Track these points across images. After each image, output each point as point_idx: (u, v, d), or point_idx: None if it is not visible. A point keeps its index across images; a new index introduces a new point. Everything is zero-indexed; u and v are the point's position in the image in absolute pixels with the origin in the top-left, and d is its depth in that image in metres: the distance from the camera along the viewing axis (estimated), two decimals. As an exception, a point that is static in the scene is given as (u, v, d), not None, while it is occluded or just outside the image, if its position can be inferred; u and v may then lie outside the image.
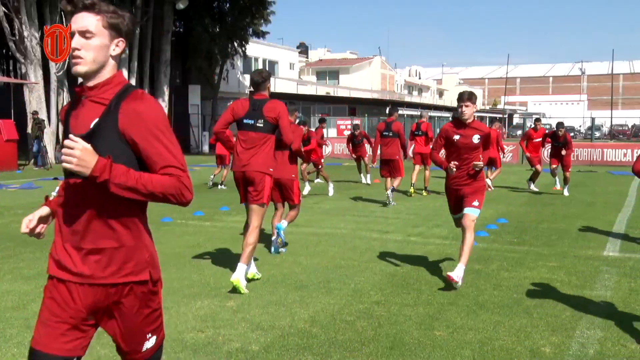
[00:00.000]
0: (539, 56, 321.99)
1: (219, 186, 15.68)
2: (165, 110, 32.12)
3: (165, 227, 9.71)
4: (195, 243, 8.37)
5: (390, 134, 12.42)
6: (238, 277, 5.93)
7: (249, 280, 6.17)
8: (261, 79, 6.17)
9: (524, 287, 6.11)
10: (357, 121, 30.62)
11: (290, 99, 42.05)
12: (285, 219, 7.89)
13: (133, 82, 29.96)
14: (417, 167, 14.53)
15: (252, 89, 6.34)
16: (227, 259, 7.34)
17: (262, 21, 36.36)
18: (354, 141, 17.01)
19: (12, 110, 23.58)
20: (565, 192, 14.37)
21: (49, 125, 25.06)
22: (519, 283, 6.25)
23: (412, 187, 14.20)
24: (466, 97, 6.21)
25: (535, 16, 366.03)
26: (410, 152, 14.92)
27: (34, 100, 24.87)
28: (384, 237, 8.86)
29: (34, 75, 24.85)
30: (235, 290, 5.86)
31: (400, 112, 46.26)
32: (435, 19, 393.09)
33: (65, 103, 26.53)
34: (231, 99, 42.23)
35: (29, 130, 23.43)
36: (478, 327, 4.90)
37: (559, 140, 14.38)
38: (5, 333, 4.71)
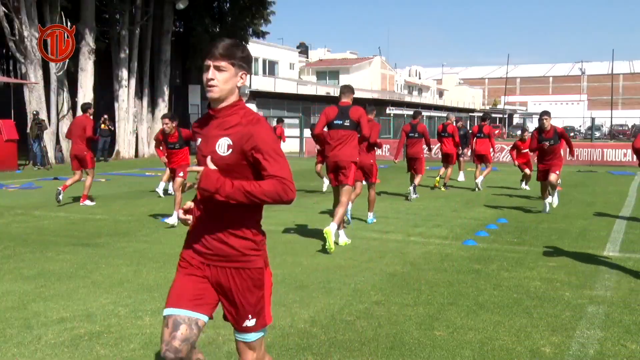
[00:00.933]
0: (539, 56, 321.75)
1: None
2: (165, 110, 32.04)
3: (165, 227, 9.71)
4: (195, 243, 8.35)
5: (416, 135, 13.56)
6: (331, 229, 7.60)
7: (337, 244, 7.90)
8: (347, 91, 8.32)
9: (524, 287, 6.11)
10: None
11: (290, 99, 42.04)
12: (370, 210, 10.19)
13: (133, 82, 30.00)
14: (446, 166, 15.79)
15: (339, 97, 8.34)
16: (227, 259, 7.33)
17: (262, 21, 36.34)
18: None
19: (12, 110, 23.58)
20: (555, 201, 11.63)
21: (49, 125, 25.06)
22: (519, 283, 6.25)
23: (443, 185, 15.59)
24: (219, 51, 2.83)
25: (535, 16, 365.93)
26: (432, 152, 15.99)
27: (34, 100, 24.86)
28: (384, 237, 8.86)
29: (34, 75, 24.85)
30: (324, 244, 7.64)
31: (399, 112, 46.12)
32: (435, 19, 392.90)
33: (65, 103, 26.70)
34: (231, 99, 42.31)
35: (29, 130, 23.43)
36: (478, 327, 4.90)
37: (547, 135, 10.93)
38: (5, 333, 4.71)
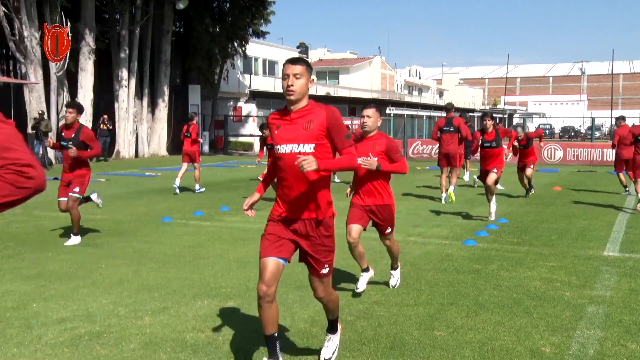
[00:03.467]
0: (539, 56, 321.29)
1: None
2: (165, 110, 31.95)
3: (165, 227, 9.71)
4: (195, 243, 8.37)
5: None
6: (452, 190, 12.83)
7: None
8: (450, 106, 13.29)
9: (524, 287, 6.11)
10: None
11: (290, 99, 41.97)
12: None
13: (133, 82, 30.00)
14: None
15: (446, 111, 13.49)
16: (227, 259, 7.34)
17: (262, 21, 36.33)
18: None
19: (12, 110, 23.57)
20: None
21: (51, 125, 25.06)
22: (519, 283, 6.25)
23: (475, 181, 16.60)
24: None
25: (535, 16, 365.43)
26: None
27: (34, 100, 24.86)
28: (384, 237, 8.84)
29: (34, 75, 24.85)
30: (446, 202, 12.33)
31: (399, 112, 46.06)
32: (435, 19, 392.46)
33: (64, 103, 26.64)
34: (231, 99, 42.29)
35: (29, 130, 23.42)
36: (478, 327, 4.90)
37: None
38: (5, 333, 4.71)
